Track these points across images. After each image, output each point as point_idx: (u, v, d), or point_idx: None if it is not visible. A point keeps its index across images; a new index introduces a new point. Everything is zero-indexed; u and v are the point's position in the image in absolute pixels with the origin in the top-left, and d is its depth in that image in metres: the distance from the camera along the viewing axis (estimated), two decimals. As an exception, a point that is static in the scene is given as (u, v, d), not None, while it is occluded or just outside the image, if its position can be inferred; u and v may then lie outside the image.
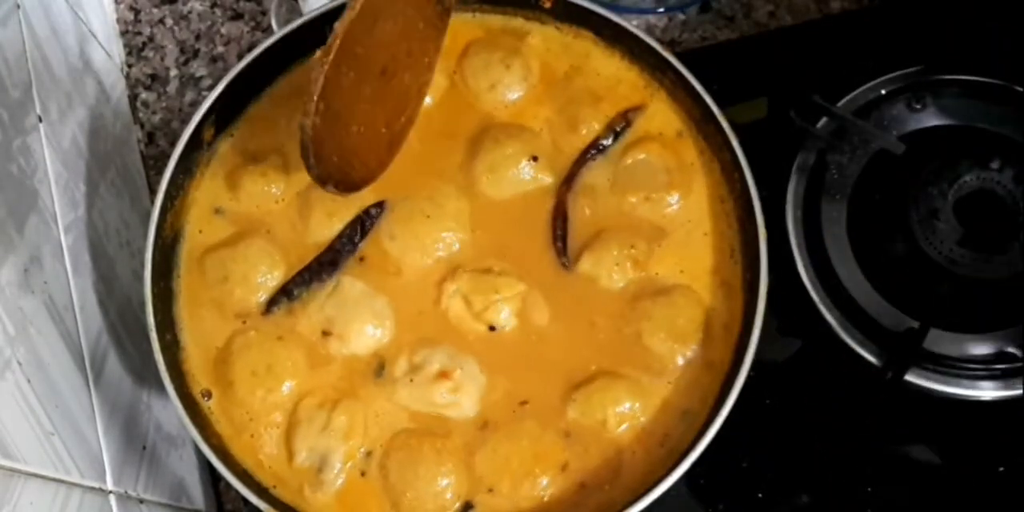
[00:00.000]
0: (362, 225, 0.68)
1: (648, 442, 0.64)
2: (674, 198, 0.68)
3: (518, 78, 0.70)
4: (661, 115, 0.70)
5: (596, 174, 0.69)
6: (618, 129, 0.69)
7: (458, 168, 0.69)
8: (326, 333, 0.66)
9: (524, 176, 0.69)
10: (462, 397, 0.65)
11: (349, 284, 0.67)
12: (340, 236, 0.68)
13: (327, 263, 0.67)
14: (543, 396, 0.65)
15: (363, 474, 0.64)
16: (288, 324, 0.66)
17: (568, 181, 0.69)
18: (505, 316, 0.66)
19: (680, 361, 0.66)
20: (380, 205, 0.68)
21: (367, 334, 0.66)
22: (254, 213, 0.69)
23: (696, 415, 0.64)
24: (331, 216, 0.68)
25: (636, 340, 0.66)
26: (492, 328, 0.66)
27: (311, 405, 0.65)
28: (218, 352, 0.66)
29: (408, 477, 0.63)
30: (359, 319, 0.66)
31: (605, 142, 0.69)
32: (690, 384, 0.65)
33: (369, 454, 0.64)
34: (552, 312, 0.67)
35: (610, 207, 0.69)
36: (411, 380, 0.65)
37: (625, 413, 0.64)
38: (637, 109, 0.70)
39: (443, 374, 0.64)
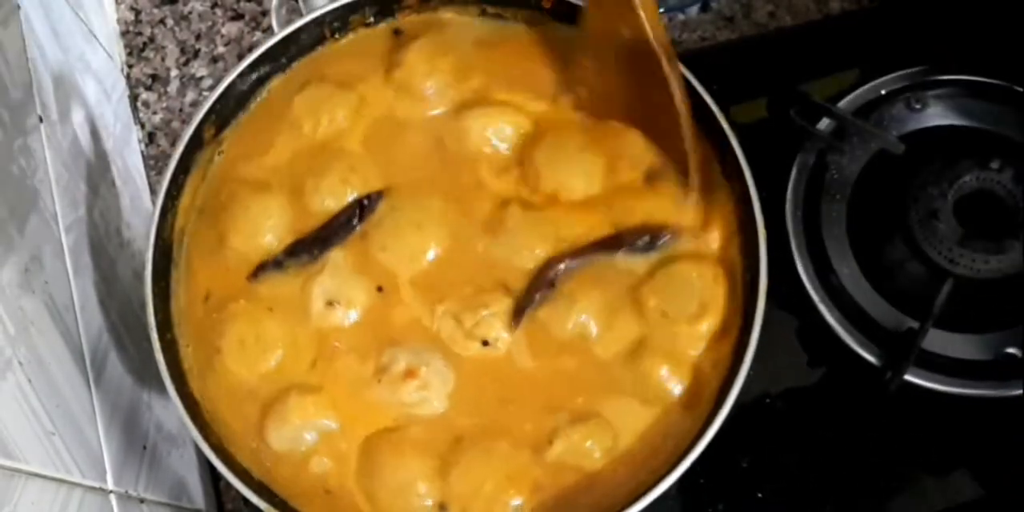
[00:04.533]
0: (361, 208, 0.67)
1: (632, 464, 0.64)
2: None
3: None
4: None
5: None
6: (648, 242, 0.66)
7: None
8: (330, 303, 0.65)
9: None
10: (430, 394, 0.64)
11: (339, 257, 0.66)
12: (338, 215, 0.67)
13: (320, 240, 0.66)
14: (525, 418, 0.64)
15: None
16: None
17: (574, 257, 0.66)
18: (496, 331, 0.65)
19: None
20: (380, 194, 0.68)
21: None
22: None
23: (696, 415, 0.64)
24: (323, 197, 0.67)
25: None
26: (486, 343, 0.65)
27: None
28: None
29: (386, 478, 0.63)
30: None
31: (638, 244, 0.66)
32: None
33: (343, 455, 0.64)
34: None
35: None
36: (379, 380, 0.65)
37: (610, 447, 0.63)
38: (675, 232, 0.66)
39: (409, 373, 0.64)
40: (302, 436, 0.63)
